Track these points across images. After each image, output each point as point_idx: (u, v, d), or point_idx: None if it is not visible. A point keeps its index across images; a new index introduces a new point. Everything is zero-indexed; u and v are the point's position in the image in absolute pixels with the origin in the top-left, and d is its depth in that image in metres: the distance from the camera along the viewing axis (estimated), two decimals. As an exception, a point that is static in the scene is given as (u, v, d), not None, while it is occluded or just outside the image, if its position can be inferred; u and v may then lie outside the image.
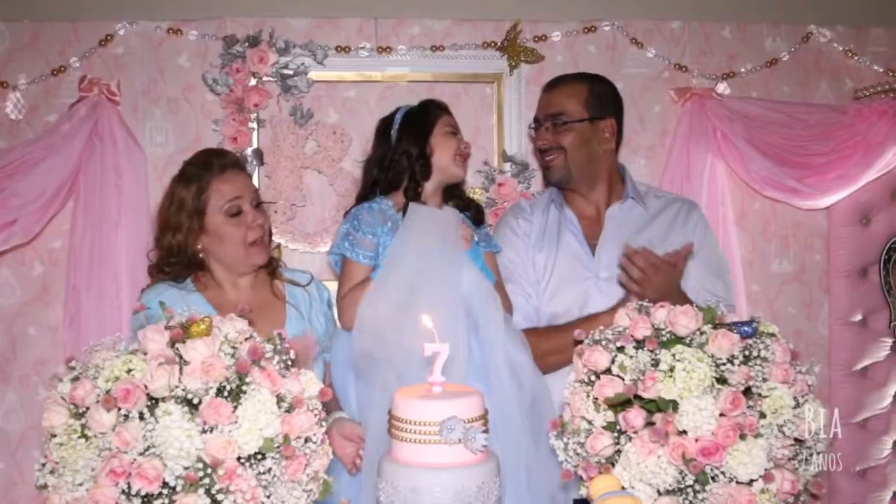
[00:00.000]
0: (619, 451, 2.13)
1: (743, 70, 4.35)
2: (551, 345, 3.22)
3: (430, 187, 3.24)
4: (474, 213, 3.36)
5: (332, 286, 3.33)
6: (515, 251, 3.45)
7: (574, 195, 3.50)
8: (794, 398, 2.11)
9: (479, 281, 3.08)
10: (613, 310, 3.04)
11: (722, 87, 4.29)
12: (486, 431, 2.10)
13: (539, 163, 3.62)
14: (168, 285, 3.08)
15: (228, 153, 3.27)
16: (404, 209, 3.18)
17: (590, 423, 2.18)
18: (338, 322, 3.23)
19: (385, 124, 3.36)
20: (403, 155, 3.26)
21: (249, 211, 3.09)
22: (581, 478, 2.17)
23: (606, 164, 3.48)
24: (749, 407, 2.06)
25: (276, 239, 3.99)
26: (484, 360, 2.99)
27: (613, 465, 2.13)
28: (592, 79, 3.52)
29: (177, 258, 3.08)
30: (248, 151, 3.96)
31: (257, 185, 3.90)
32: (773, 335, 2.22)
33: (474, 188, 4.00)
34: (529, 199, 3.98)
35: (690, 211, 3.53)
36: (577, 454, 2.19)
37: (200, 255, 3.10)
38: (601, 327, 2.32)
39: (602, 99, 3.46)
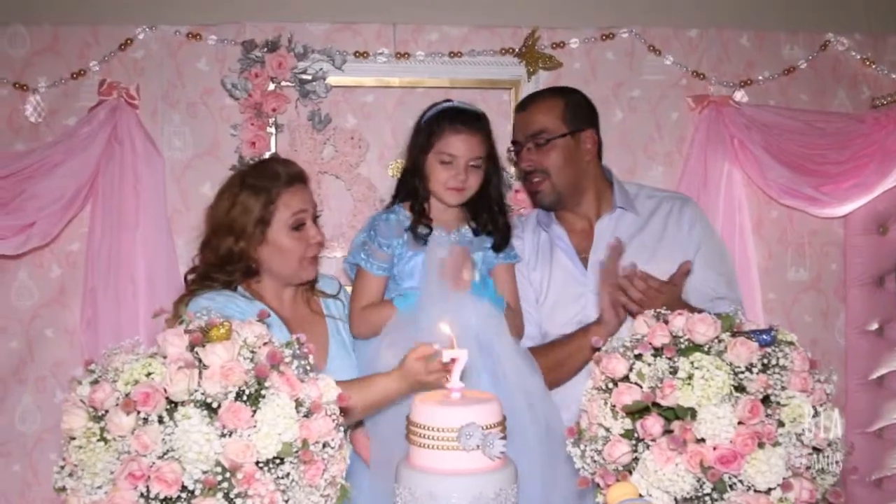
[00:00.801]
0: (636, 459, 2.13)
1: (760, 78, 4.34)
2: (548, 361, 3.22)
3: (439, 203, 3.23)
4: (498, 240, 3.27)
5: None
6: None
7: (563, 211, 3.49)
8: (813, 407, 2.11)
9: (487, 315, 3.05)
10: (600, 321, 3.09)
11: (739, 95, 4.28)
12: (504, 438, 2.11)
13: (524, 186, 3.61)
14: (220, 294, 3.02)
15: (294, 164, 3.22)
16: (412, 226, 3.17)
17: (607, 430, 2.18)
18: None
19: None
20: (409, 164, 3.27)
21: (311, 225, 3.09)
22: (598, 485, 2.17)
23: (592, 175, 3.48)
24: (767, 415, 2.06)
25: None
26: (497, 390, 2.95)
27: (631, 472, 2.13)
28: (565, 91, 3.53)
29: (236, 265, 3.05)
30: (266, 156, 3.96)
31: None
32: (791, 344, 2.22)
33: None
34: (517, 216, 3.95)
35: (683, 207, 3.50)
36: (595, 461, 2.19)
37: (254, 265, 3.08)
38: (595, 338, 2.34)
39: (578, 111, 3.44)
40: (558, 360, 3.25)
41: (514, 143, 3.49)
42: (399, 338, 2.99)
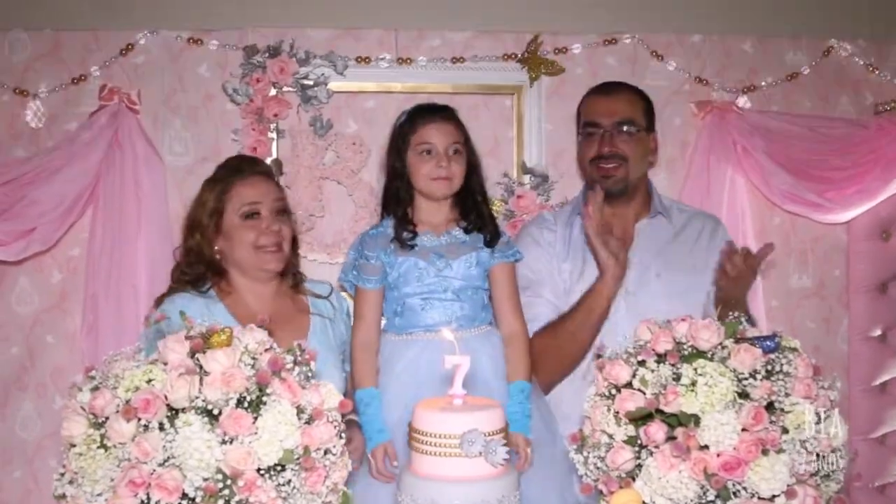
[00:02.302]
0: (639, 466, 2.12)
1: (764, 84, 4.33)
2: (562, 334, 3.26)
3: (424, 204, 3.22)
4: (490, 232, 3.23)
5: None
6: (538, 261, 3.43)
7: (604, 207, 3.42)
8: (817, 413, 2.10)
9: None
10: (602, 276, 3.14)
11: (742, 101, 4.27)
12: (506, 445, 2.10)
13: (588, 170, 3.48)
14: (191, 294, 3.09)
15: (262, 162, 3.30)
16: (396, 234, 3.17)
17: (610, 436, 2.18)
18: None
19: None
20: (389, 173, 3.28)
21: (266, 216, 3.11)
22: (601, 492, 2.16)
23: (646, 179, 3.52)
24: (771, 422, 2.05)
25: (294, 249, 4.01)
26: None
27: (634, 479, 2.12)
28: (639, 91, 3.55)
29: (196, 259, 3.10)
30: (268, 161, 3.95)
31: (276, 196, 3.94)
32: (795, 350, 2.21)
33: (493, 200, 3.96)
34: (550, 210, 3.98)
35: (716, 227, 3.55)
36: (598, 468, 2.18)
37: (218, 257, 3.11)
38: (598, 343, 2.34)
39: (650, 112, 3.50)
40: (570, 331, 3.24)
41: (593, 124, 3.45)
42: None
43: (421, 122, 3.17)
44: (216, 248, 3.11)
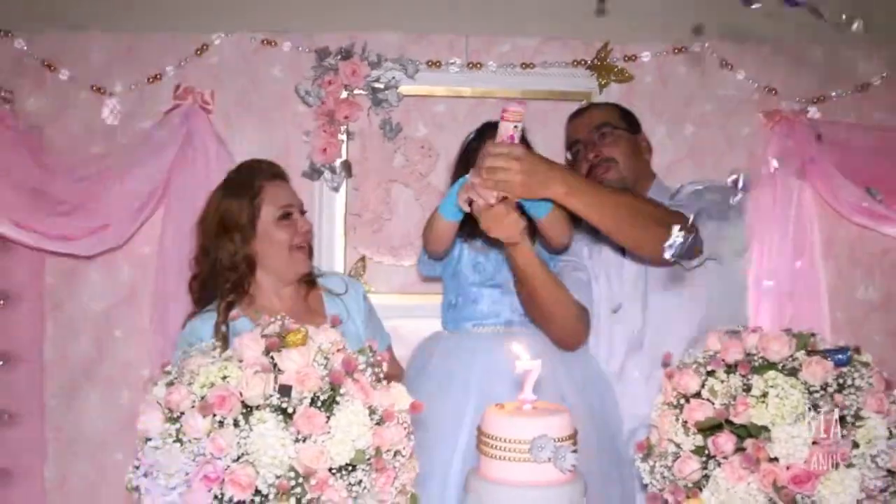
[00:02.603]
0: (706, 476, 2.11)
1: (834, 94, 4.30)
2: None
3: None
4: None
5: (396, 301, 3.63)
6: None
7: None
8: (888, 428, 2.09)
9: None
10: None
11: (812, 111, 4.24)
12: (575, 451, 2.10)
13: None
14: (201, 318, 3.09)
15: (274, 163, 3.27)
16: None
17: (678, 446, 2.17)
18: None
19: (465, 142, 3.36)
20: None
21: (298, 217, 3.15)
22: (667, 501, 2.16)
23: (649, 176, 3.46)
24: (842, 436, 2.04)
25: (361, 251, 4.04)
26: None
27: (701, 489, 2.12)
28: (612, 104, 3.60)
29: (229, 265, 3.08)
30: (337, 163, 3.99)
31: (345, 197, 4.01)
32: (867, 364, 2.20)
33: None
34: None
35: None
36: (664, 477, 2.18)
37: (254, 261, 3.11)
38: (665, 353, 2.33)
39: (630, 117, 3.48)
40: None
41: (574, 143, 3.46)
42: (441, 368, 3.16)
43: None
44: (251, 252, 3.10)
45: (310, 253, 3.23)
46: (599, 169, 3.36)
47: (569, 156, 3.51)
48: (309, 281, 3.26)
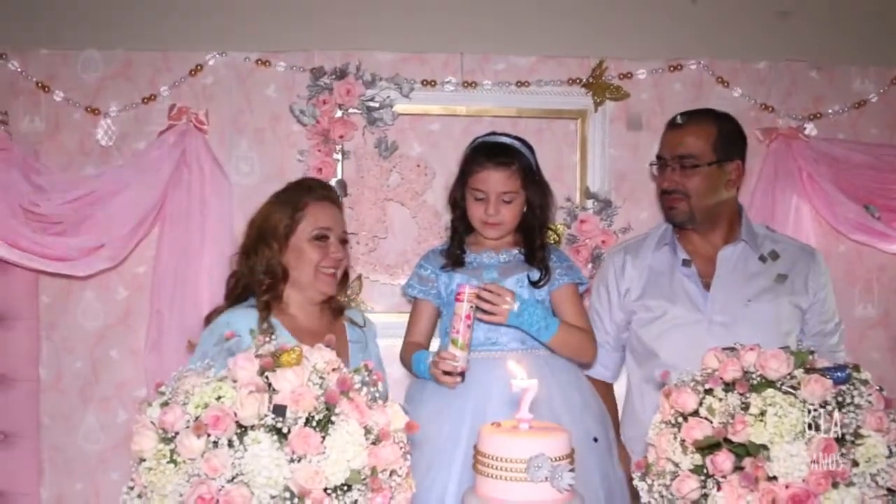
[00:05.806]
0: (705, 495, 2.10)
1: (830, 111, 4.30)
2: None
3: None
4: (538, 273, 3.29)
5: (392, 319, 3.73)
6: (607, 289, 3.46)
7: (691, 234, 3.45)
8: (888, 447, 2.08)
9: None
10: None
11: (809, 128, 4.24)
12: (572, 470, 2.09)
13: (659, 200, 3.57)
14: (246, 308, 3.16)
15: (333, 188, 3.38)
16: (447, 252, 3.35)
17: (676, 465, 2.16)
18: None
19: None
20: (451, 200, 3.42)
21: (333, 242, 3.19)
22: (666, 519, 2.15)
23: (729, 206, 3.45)
24: (842, 454, 2.03)
25: (357, 270, 4.03)
26: None
27: (699, 509, 2.11)
28: (721, 117, 3.44)
29: (265, 269, 3.17)
30: (333, 182, 3.98)
31: (341, 216, 3.98)
32: (866, 382, 2.19)
33: (556, 225, 3.96)
34: (611, 236, 4.01)
35: (814, 255, 3.50)
36: (662, 496, 2.17)
37: (287, 271, 3.19)
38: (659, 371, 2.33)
39: (730, 140, 3.39)
40: None
41: (659, 157, 3.45)
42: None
43: (477, 167, 3.26)
44: (283, 260, 3.17)
45: (343, 281, 3.33)
46: (670, 198, 3.38)
47: (654, 170, 3.51)
48: (336, 308, 3.33)
